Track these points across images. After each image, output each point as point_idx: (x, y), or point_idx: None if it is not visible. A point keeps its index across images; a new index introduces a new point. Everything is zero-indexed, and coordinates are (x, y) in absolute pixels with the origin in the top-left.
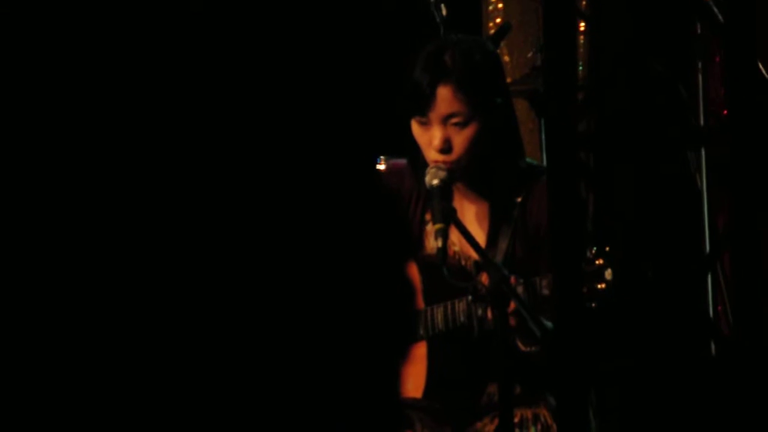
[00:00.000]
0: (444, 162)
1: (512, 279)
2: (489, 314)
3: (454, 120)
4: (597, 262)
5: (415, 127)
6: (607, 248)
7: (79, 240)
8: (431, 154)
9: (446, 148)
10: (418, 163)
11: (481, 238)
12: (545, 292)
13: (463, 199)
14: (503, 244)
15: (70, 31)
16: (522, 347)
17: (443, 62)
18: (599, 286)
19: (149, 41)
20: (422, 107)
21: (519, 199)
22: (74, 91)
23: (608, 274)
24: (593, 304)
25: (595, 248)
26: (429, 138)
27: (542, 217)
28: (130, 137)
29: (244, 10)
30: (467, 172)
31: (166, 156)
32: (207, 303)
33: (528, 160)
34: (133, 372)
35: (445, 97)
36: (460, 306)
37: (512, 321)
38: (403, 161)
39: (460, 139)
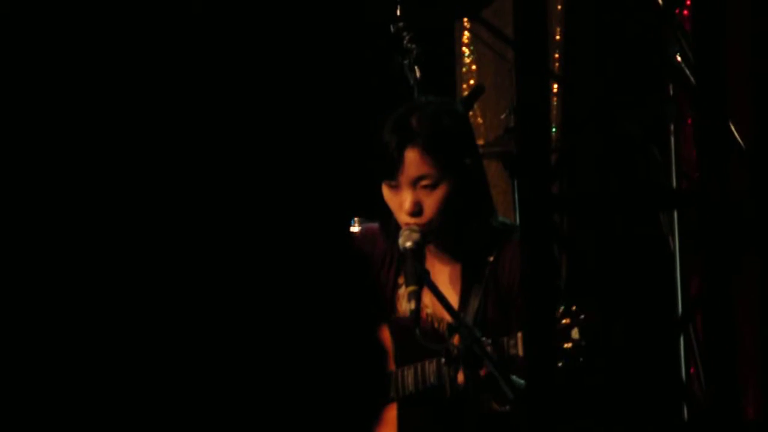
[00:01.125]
0: (415, 224)
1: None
2: (460, 375)
3: (424, 182)
4: (564, 321)
5: (386, 191)
6: (574, 307)
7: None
8: (402, 217)
9: (417, 210)
10: (390, 226)
11: (453, 299)
12: (512, 351)
13: (435, 261)
14: (474, 303)
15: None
16: (496, 407)
17: (410, 125)
18: (566, 345)
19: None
20: (391, 171)
21: (491, 259)
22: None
23: (575, 333)
24: (560, 364)
25: (562, 307)
26: (399, 201)
27: (514, 276)
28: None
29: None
30: (439, 233)
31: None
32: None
33: (500, 218)
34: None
35: (413, 159)
36: (430, 367)
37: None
38: (375, 224)
39: (430, 202)
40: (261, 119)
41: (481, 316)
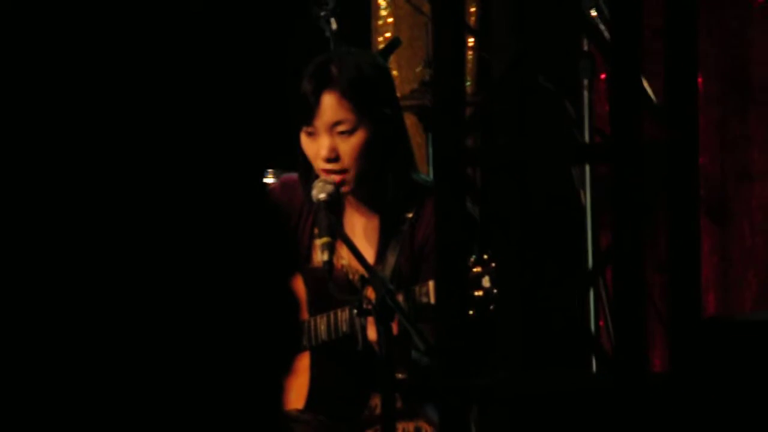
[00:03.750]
0: (332, 171)
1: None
2: (371, 327)
3: (340, 128)
4: (475, 269)
5: (304, 139)
6: (485, 256)
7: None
8: (319, 164)
9: (333, 157)
10: (309, 176)
11: (369, 252)
12: (423, 299)
13: (353, 213)
14: (392, 260)
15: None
16: (402, 376)
17: (329, 72)
18: (476, 293)
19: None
20: (308, 116)
21: (410, 215)
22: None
23: (486, 281)
24: (471, 312)
25: (473, 256)
26: (317, 148)
27: (430, 233)
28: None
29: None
30: (357, 184)
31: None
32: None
33: (421, 175)
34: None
35: (330, 104)
36: (343, 316)
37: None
38: (295, 175)
39: (347, 148)
40: (175, 70)
41: (398, 273)
